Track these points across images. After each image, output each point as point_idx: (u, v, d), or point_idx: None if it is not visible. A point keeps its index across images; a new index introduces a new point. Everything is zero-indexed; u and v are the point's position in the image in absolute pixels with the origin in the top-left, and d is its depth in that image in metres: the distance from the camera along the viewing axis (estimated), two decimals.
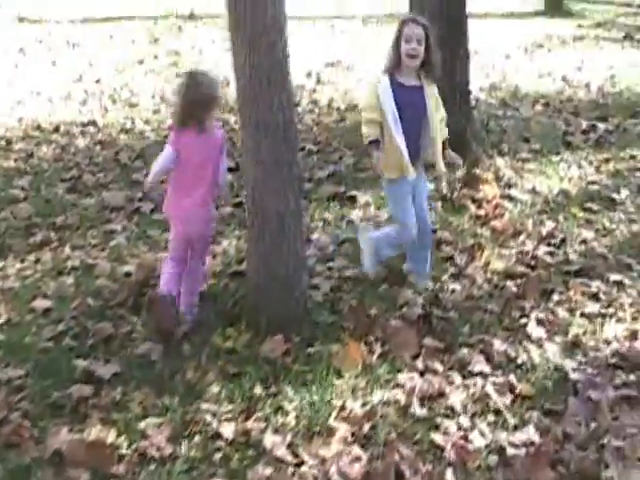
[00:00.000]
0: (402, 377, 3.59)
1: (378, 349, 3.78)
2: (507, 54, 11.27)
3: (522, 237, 5.06)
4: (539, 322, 4.08)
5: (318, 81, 9.70)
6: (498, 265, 4.68)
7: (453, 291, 4.42)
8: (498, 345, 3.84)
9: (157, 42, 12.78)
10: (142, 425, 3.24)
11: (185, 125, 3.89)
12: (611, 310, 4.23)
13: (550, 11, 18.49)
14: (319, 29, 14.31)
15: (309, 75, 10.05)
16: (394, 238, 4.45)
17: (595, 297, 4.37)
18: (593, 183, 6.16)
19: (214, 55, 10.95)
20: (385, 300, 4.29)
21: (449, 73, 6.04)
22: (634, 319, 4.16)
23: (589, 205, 5.67)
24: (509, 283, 4.47)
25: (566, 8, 19.29)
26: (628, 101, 8.99)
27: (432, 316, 4.09)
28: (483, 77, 9.84)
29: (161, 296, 3.97)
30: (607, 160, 6.70)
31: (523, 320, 4.09)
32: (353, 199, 5.76)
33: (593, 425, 3.29)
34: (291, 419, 3.29)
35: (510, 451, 3.13)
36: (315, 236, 5.17)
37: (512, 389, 3.53)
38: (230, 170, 6.29)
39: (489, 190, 5.63)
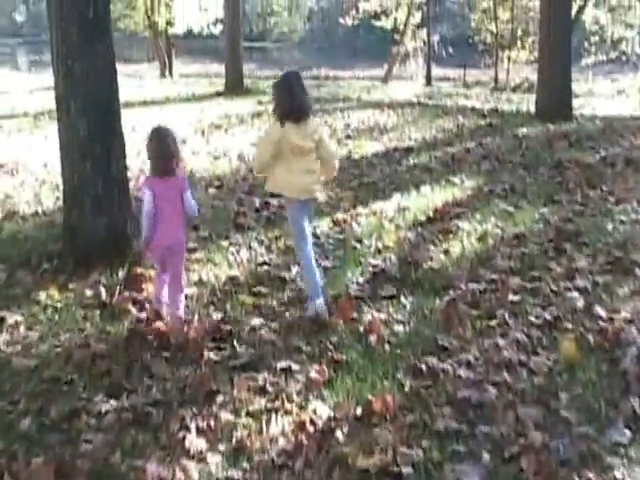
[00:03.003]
0: None
1: None
2: (183, 139, 11.13)
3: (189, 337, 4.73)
4: (200, 432, 3.74)
5: None
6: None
7: (101, 414, 3.92)
8: (153, 469, 3.43)
9: None
10: None
11: None
12: (277, 403, 4.00)
13: (231, 91, 19.02)
14: None
15: None
16: None
17: (262, 391, 4.13)
18: (263, 264, 6.05)
19: None
20: (26, 438, 3.74)
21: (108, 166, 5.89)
22: (301, 408, 3.96)
23: (258, 289, 5.51)
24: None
25: (248, 87, 19.96)
26: None
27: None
28: None
29: None
30: (277, 237, 6.66)
31: (182, 433, 3.72)
32: (1, 320, 5.08)
33: None
34: None
35: None
36: None
37: None
38: None
39: (152, 289, 5.27)
